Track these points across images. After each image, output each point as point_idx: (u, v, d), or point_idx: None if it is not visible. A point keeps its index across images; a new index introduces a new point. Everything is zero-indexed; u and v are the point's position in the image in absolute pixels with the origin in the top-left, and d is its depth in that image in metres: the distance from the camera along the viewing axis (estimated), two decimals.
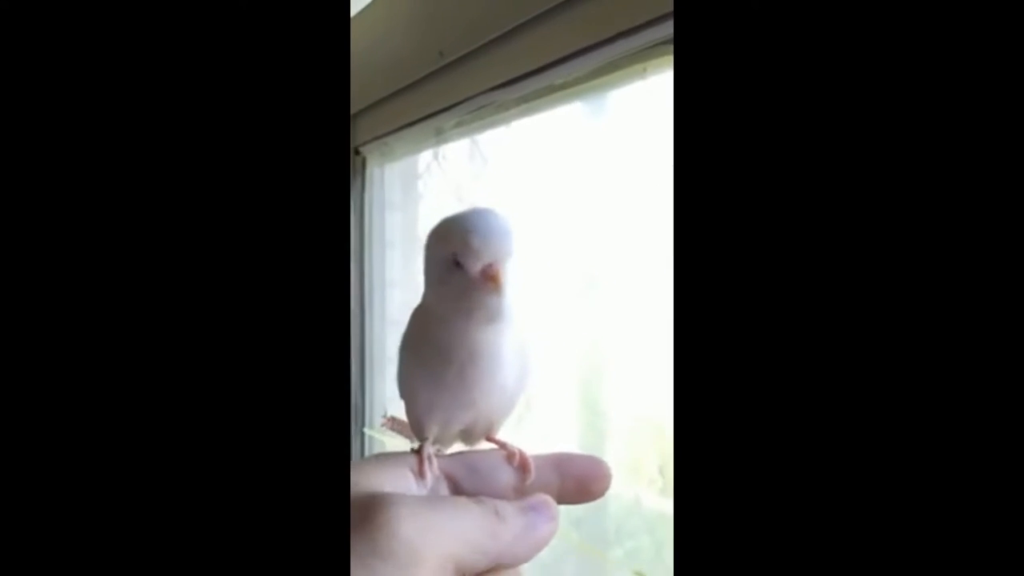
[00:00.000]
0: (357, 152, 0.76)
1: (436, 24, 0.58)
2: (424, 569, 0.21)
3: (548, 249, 0.64)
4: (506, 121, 0.60)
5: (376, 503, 0.22)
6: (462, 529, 0.22)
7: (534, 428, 0.67)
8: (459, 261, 0.25)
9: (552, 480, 0.26)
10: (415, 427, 0.27)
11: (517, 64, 0.50)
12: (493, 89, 0.53)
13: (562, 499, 0.25)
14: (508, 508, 0.24)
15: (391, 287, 0.84)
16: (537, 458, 0.26)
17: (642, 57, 0.44)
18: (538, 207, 0.65)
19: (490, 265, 0.24)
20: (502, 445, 0.27)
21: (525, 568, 0.25)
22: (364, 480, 0.23)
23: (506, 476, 0.26)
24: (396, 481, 0.24)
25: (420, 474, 0.25)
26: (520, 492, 0.25)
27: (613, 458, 0.60)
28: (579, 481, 0.26)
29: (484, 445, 0.27)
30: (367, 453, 0.82)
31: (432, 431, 0.27)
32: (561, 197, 0.62)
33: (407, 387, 0.28)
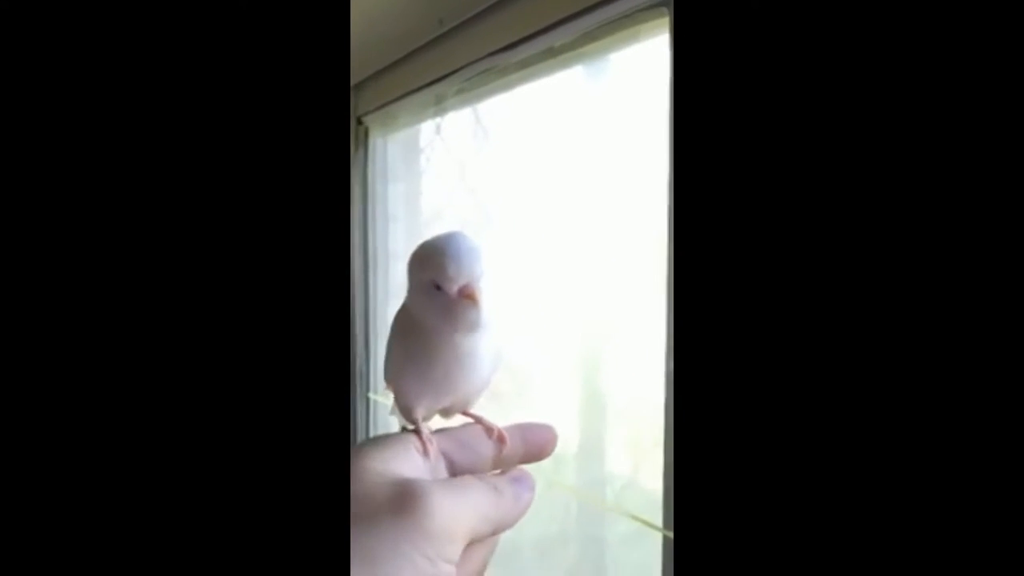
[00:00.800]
0: (360, 122, 0.77)
1: None
2: (455, 543, 0.26)
3: (549, 223, 0.64)
4: (507, 87, 0.61)
5: (412, 491, 0.26)
6: (476, 506, 0.27)
7: (535, 407, 0.68)
8: (438, 284, 0.29)
9: (519, 446, 0.31)
10: (404, 410, 0.32)
11: (515, 29, 0.52)
12: (492, 54, 0.55)
13: (524, 460, 0.31)
14: (502, 483, 0.29)
15: (394, 259, 0.85)
16: (507, 429, 0.31)
17: (635, 20, 0.45)
18: (539, 179, 0.66)
19: (466, 285, 0.29)
20: (478, 420, 0.32)
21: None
22: (384, 466, 0.27)
23: (486, 448, 0.31)
24: (409, 463, 0.28)
25: (425, 453, 0.29)
26: (497, 460, 0.31)
27: (613, 435, 0.62)
28: (538, 446, 0.32)
29: (458, 419, 0.33)
30: (372, 416, 0.84)
31: (420, 413, 0.31)
32: (562, 168, 0.62)
33: (396, 379, 0.32)
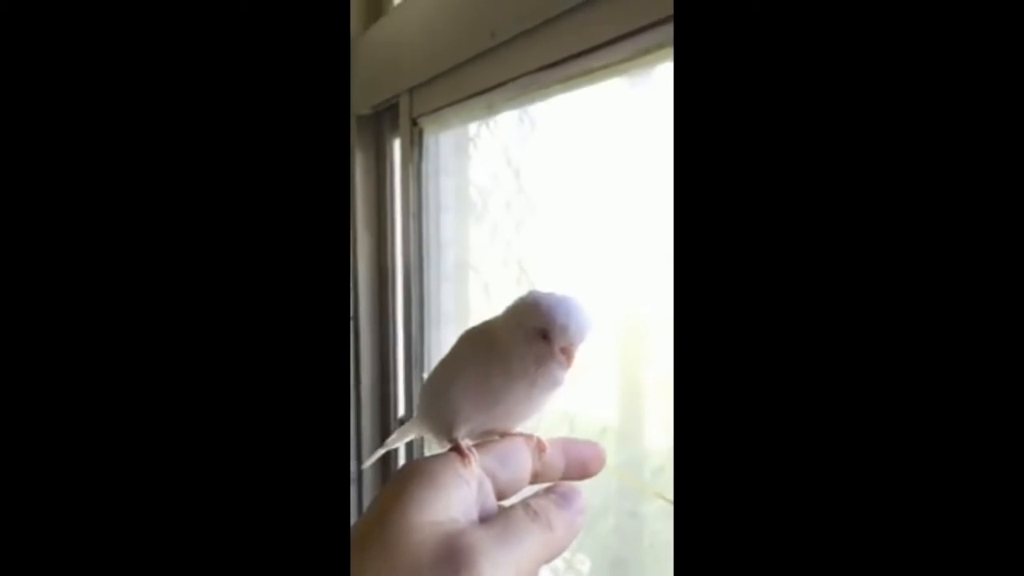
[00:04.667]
0: (415, 123, 0.82)
1: (488, 5, 0.63)
2: None
3: (591, 207, 0.66)
4: (553, 95, 0.65)
5: (461, 555, 0.24)
6: (528, 554, 0.25)
7: (579, 391, 0.70)
8: (547, 336, 0.30)
9: (559, 462, 0.31)
10: (443, 425, 0.31)
11: (563, 47, 0.55)
12: (541, 69, 0.58)
13: (566, 476, 0.31)
14: (553, 513, 0.27)
15: (446, 247, 0.90)
16: (548, 441, 0.31)
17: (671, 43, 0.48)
18: (583, 169, 0.69)
19: (570, 346, 0.30)
20: (517, 432, 0.31)
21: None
22: (429, 514, 0.25)
23: (527, 460, 0.30)
24: (456, 496, 0.26)
25: (466, 464, 0.28)
26: (538, 473, 0.30)
27: (650, 414, 0.65)
28: (581, 463, 0.31)
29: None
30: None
31: (462, 432, 0.31)
32: (606, 160, 0.64)
33: (448, 394, 0.32)
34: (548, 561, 0.27)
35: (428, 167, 0.85)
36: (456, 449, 0.29)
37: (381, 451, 0.38)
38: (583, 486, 0.30)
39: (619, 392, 0.66)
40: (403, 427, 0.38)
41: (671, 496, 0.52)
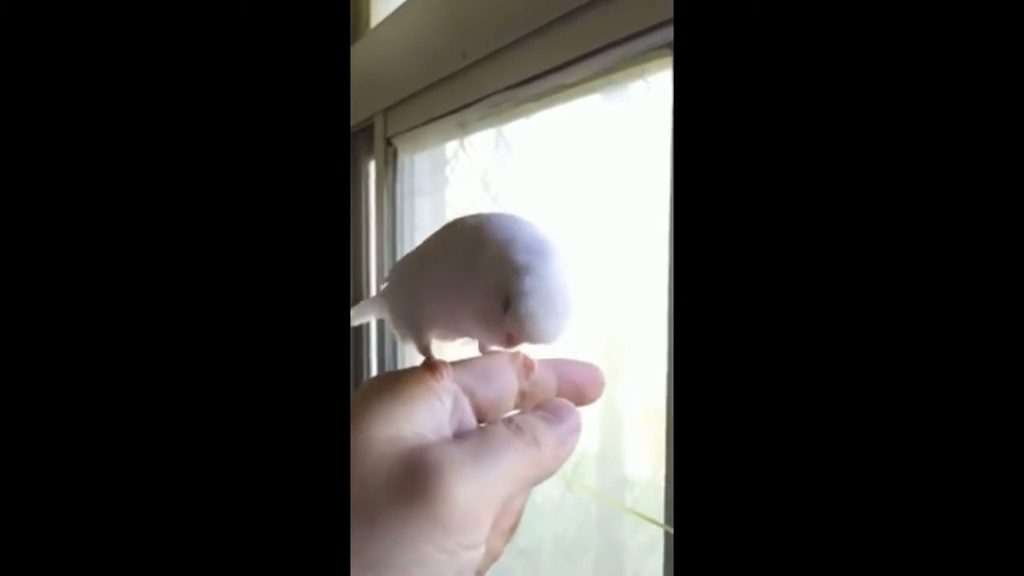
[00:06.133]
0: (389, 143, 0.81)
1: (460, 27, 0.63)
2: (482, 526, 0.21)
3: (569, 231, 0.66)
4: (526, 114, 0.64)
5: (425, 470, 0.20)
6: (509, 471, 0.22)
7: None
8: (507, 306, 0.23)
9: (550, 382, 0.26)
10: (411, 328, 0.27)
11: (534, 63, 0.55)
12: (512, 87, 0.58)
13: None
14: (541, 429, 0.23)
15: None
16: (539, 362, 0.26)
17: (642, 60, 0.48)
18: (560, 191, 0.68)
19: (520, 336, 0.23)
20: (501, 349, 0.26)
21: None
22: (392, 428, 0.22)
23: (511, 380, 0.25)
24: (426, 410, 0.23)
25: (437, 377, 0.24)
26: (523, 393, 0.25)
27: (631, 441, 0.64)
28: (576, 386, 0.26)
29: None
30: None
31: (430, 337, 0.26)
32: (583, 181, 0.64)
33: (413, 288, 0.27)
34: (537, 482, 0.23)
35: (403, 187, 0.84)
36: (427, 362, 0.25)
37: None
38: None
39: (600, 418, 0.64)
40: (363, 303, 0.33)
41: (658, 518, 0.51)
